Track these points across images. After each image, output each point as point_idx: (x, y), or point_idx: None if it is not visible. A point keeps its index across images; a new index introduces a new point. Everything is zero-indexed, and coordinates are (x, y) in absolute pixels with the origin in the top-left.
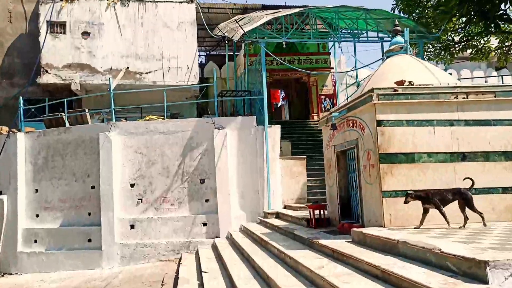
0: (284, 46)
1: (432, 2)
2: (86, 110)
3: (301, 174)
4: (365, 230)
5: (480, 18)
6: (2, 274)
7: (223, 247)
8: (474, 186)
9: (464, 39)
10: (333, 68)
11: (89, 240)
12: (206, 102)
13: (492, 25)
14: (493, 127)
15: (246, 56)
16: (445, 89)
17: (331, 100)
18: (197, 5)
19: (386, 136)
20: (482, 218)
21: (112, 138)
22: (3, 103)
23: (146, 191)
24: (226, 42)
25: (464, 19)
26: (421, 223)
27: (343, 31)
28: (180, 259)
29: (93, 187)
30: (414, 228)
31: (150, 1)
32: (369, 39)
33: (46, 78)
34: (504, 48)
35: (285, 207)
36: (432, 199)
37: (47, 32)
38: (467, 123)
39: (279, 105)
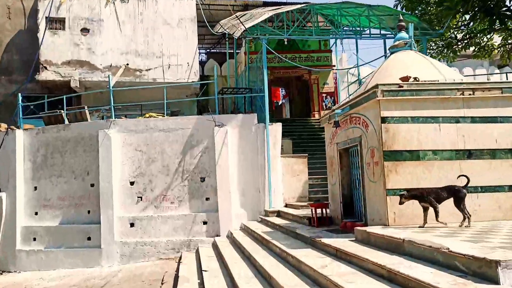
0: (286, 43)
1: None
2: (86, 107)
3: (302, 172)
4: (369, 229)
5: (485, 14)
6: (1, 272)
7: (223, 245)
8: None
9: (467, 36)
10: (334, 66)
11: (89, 238)
12: (206, 100)
13: (497, 21)
14: (499, 124)
15: (247, 53)
16: (451, 85)
17: (332, 98)
18: (197, 1)
19: (391, 133)
20: (468, 219)
21: (112, 136)
22: (2, 100)
23: (146, 189)
24: (226, 39)
25: (467, 16)
26: (424, 221)
27: (345, 28)
28: (180, 258)
29: (92, 185)
30: (419, 227)
31: None
32: (371, 36)
33: (45, 75)
34: (507, 46)
35: (286, 206)
36: (426, 197)
37: (46, 29)
38: (473, 120)
39: (279, 104)
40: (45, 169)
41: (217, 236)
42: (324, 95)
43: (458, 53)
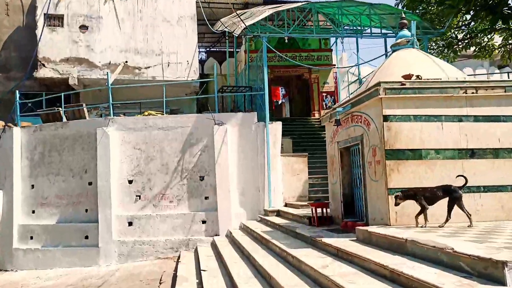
0: (286, 41)
1: None
2: (84, 105)
3: (302, 172)
4: (370, 229)
5: (488, 13)
6: None
7: (222, 245)
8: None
9: (468, 36)
10: (335, 65)
11: (86, 237)
12: (206, 99)
13: (500, 20)
14: (503, 123)
15: (247, 52)
16: (454, 83)
17: (332, 97)
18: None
19: (393, 132)
20: (447, 220)
21: (110, 134)
22: (0, 97)
23: (145, 187)
24: (226, 37)
25: (468, 16)
26: (425, 220)
27: (345, 27)
28: (179, 257)
29: (90, 183)
30: (421, 226)
31: None
32: (372, 35)
33: (43, 72)
34: (508, 46)
35: (286, 205)
36: (418, 197)
37: (44, 25)
38: (476, 118)
39: (279, 103)
40: (43, 167)
41: (216, 235)
42: (324, 94)
43: (459, 53)
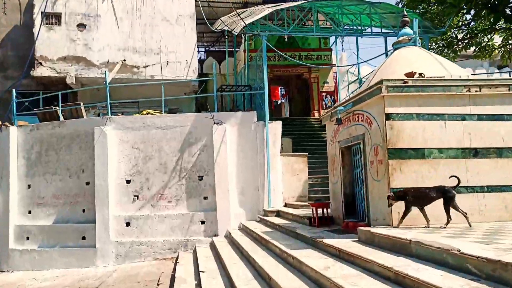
0: (286, 39)
1: None
2: (81, 104)
3: (302, 172)
4: (373, 229)
5: (490, 11)
6: None
7: (221, 245)
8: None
9: (468, 36)
10: (334, 64)
11: (83, 238)
12: (205, 98)
13: (502, 19)
14: (507, 122)
15: (246, 51)
16: (457, 81)
17: (332, 97)
18: None
19: (395, 131)
20: (448, 221)
21: (108, 133)
22: None
23: (143, 187)
24: (226, 37)
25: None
26: (426, 220)
27: (345, 27)
28: (177, 258)
29: (87, 183)
30: (424, 227)
31: None
32: (373, 34)
33: (41, 71)
34: (508, 46)
35: (285, 205)
36: (407, 198)
37: (41, 24)
38: (480, 117)
39: (278, 103)
40: (39, 166)
41: (215, 236)
42: (324, 94)
43: (459, 53)
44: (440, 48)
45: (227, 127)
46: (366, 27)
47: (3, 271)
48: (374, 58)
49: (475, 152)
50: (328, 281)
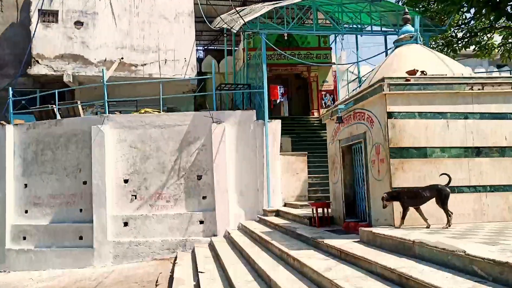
0: (285, 37)
1: None
2: (78, 102)
3: (302, 171)
4: (375, 230)
5: (491, 9)
6: None
7: (220, 246)
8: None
9: (468, 35)
10: (334, 63)
11: (81, 238)
12: (204, 97)
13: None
14: (510, 120)
15: (245, 50)
16: (459, 79)
17: (331, 96)
18: None
19: (397, 129)
20: (448, 221)
21: (105, 132)
22: None
23: (141, 187)
24: (225, 35)
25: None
26: (423, 219)
27: (345, 25)
28: (176, 258)
29: (85, 183)
30: (426, 227)
31: None
32: (373, 32)
33: (37, 69)
34: (508, 45)
35: (285, 205)
36: (401, 198)
37: (38, 21)
38: (483, 116)
39: (278, 102)
40: (36, 166)
41: (214, 236)
42: (323, 93)
43: (458, 52)
44: (440, 47)
45: (226, 126)
46: (366, 26)
47: None
48: (374, 56)
49: (478, 151)
50: (330, 283)
